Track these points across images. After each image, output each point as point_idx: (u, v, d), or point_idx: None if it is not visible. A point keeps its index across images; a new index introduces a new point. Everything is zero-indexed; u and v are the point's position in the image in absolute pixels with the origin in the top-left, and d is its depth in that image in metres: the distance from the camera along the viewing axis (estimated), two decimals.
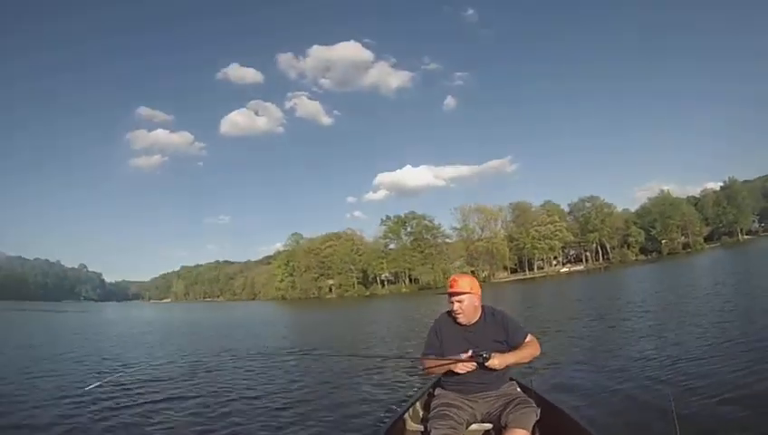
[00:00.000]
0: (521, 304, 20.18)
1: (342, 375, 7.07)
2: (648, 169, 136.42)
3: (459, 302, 2.58)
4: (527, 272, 77.29)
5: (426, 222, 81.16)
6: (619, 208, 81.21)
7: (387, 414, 4.56)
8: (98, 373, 8.19)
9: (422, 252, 77.47)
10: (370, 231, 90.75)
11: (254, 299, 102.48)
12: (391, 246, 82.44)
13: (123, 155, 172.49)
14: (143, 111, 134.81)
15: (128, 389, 6.47)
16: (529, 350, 2.56)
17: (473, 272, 62.79)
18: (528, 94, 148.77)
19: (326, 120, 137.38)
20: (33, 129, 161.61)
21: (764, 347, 5.83)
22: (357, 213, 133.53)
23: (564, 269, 77.25)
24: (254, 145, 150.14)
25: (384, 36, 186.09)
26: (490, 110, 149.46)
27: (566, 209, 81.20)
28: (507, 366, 2.54)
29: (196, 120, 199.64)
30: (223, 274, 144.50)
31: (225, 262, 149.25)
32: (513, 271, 79.36)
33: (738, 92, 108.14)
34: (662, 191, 78.94)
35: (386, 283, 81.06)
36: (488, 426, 2.51)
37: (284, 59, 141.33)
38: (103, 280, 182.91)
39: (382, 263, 79.25)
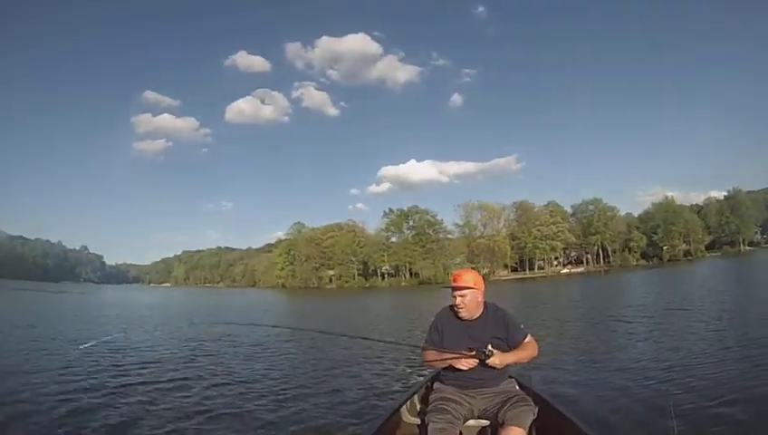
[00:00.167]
0: (521, 302, 20.21)
1: (341, 362, 7.13)
2: (652, 174, 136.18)
3: (462, 296, 2.58)
4: (527, 271, 77.46)
5: (428, 217, 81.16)
6: (622, 212, 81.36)
7: (382, 403, 4.60)
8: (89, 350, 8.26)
9: (423, 246, 77.54)
10: (372, 223, 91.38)
11: (253, 286, 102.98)
12: (393, 239, 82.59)
13: (128, 139, 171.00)
14: (149, 95, 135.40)
15: (126, 369, 6.52)
16: (528, 351, 2.57)
17: (473, 269, 62.67)
18: (535, 94, 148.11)
19: (332, 111, 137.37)
20: (39, 110, 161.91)
21: (761, 353, 5.91)
22: (359, 205, 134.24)
23: (565, 270, 77.33)
24: (259, 133, 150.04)
25: (393, 30, 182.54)
26: (497, 108, 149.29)
27: (569, 211, 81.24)
28: (506, 366, 2.55)
29: (201, 107, 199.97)
30: (224, 260, 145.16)
31: (227, 248, 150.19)
32: (514, 270, 79.46)
33: (749, 104, 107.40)
34: (666, 197, 78.92)
35: (386, 276, 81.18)
36: (485, 422, 2.51)
37: (293, 48, 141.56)
38: (104, 262, 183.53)
39: (383, 255, 79.40)
